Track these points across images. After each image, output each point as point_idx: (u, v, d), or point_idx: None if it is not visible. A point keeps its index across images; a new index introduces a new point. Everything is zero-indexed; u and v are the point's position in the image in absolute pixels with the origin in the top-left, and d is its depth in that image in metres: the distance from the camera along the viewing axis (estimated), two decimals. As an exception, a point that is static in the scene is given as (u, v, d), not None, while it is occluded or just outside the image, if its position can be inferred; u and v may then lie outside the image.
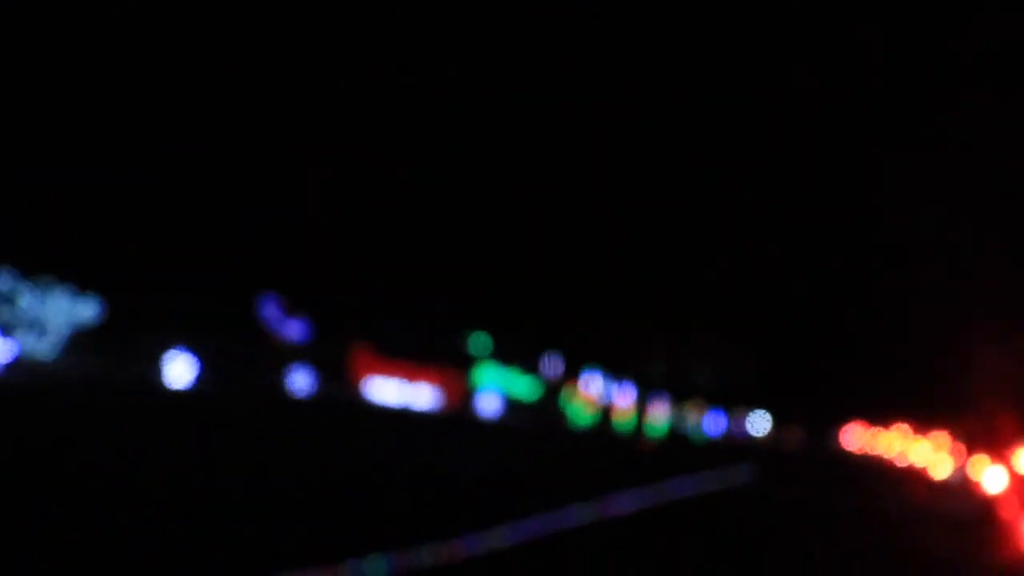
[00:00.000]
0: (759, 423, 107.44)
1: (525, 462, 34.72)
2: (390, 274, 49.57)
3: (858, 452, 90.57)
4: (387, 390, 47.85)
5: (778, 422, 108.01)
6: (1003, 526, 22.60)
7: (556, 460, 37.01)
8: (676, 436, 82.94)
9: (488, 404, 54.09)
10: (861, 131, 65.33)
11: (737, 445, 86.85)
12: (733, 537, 19.77)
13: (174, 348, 38.65)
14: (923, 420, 79.26)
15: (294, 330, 45.97)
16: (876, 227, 74.80)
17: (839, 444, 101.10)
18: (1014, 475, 34.70)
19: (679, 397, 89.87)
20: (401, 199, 49.76)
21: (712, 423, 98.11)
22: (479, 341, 57.89)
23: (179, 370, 38.38)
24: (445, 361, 52.83)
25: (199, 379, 37.83)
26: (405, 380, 49.07)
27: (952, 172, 58.10)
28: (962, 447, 43.20)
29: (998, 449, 43.74)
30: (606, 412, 71.52)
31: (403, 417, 39.43)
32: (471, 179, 55.90)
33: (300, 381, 43.28)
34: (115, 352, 36.20)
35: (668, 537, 18.28)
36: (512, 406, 57.84)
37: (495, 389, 56.23)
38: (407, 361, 49.67)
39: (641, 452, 48.72)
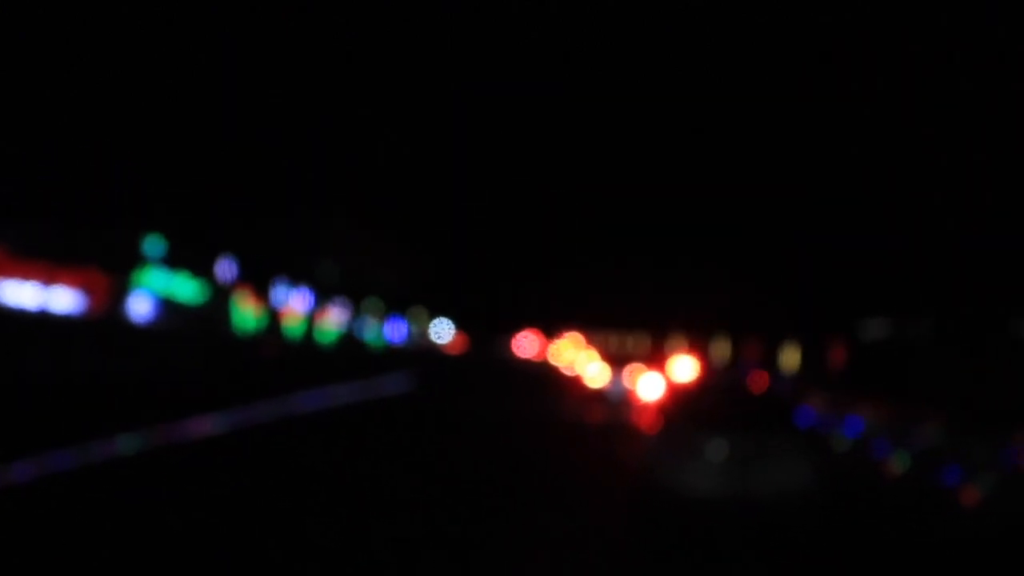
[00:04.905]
0: (441, 330, 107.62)
1: (147, 369, 32.74)
2: (35, 165, 45.97)
3: (531, 359, 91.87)
4: (21, 293, 44.65)
5: (458, 329, 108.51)
6: (640, 432, 22.31)
7: (180, 367, 35.12)
8: (353, 341, 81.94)
9: (140, 307, 51.37)
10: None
11: (412, 351, 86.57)
12: (348, 456, 18.33)
13: None
14: (592, 329, 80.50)
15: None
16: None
17: (512, 351, 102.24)
18: (669, 383, 34.93)
19: (359, 303, 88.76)
20: (48, 82, 45.83)
21: (392, 329, 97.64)
22: (149, 243, 55.06)
23: None
24: (97, 263, 49.83)
25: None
26: (42, 282, 45.92)
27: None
28: (626, 357, 43.74)
29: (656, 358, 44.64)
30: (275, 317, 69.59)
31: (33, 320, 36.63)
32: (135, 73, 52.44)
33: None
34: None
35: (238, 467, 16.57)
36: (172, 310, 55.26)
37: (151, 292, 53.51)
38: (46, 262, 46.46)
39: (267, 355, 46.74)
